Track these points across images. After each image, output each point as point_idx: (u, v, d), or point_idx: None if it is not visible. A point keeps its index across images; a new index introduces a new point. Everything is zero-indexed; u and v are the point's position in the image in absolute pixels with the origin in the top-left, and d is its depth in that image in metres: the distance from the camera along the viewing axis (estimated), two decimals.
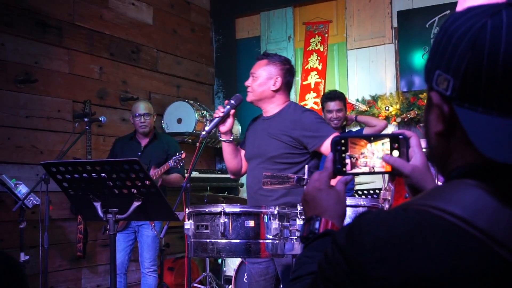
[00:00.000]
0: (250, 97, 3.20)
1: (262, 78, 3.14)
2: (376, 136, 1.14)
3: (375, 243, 0.81)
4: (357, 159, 1.13)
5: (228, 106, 3.03)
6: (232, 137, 3.18)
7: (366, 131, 5.01)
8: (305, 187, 2.50)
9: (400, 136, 1.12)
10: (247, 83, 3.21)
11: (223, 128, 3.08)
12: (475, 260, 0.77)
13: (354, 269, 0.82)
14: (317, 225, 1.14)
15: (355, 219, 0.86)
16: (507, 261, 0.77)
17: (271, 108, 3.19)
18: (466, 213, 0.79)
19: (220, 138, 3.17)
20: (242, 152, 3.35)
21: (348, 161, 1.14)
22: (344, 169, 1.14)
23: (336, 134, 3.00)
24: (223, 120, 3.04)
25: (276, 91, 3.15)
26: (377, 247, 0.81)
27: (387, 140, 1.13)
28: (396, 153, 1.12)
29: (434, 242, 0.79)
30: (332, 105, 4.79)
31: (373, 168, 1.13)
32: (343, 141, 1.14)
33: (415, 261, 0.78)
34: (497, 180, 0.82)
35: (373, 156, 1.13)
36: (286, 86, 3.20)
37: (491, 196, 0.81)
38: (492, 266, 0.77)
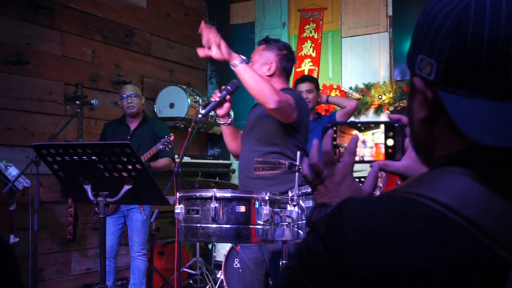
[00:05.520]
0: None
1: (258, 63, 3.20)
2: (368, 125, 1.10)
3: (357, 231, 0.78)
4: (346, 148, 1.10)
5: (224, 92, 3.07)
6: (230, 120, 3.23)
7: (339, 113, 5.00)
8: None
9: (396, 124, 1.08)
10: None
11: (220, 111, 3.11)
12: (461, 250, 0.75)
13: (335, 258, 0.79)
14: None
15: (337, 206, 0.83)
16: (493, 252, 0.74)
17: None
18: (453, 202, 0.77)
19: (219, 121, 3.23)
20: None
21: (338, 149, 1.11)
22: (335, 156, 1.12)
23: (286, 96, 2.96)
24: (219, 104, 3.07)
25: (271, 75, 3.19)
26: (359, 235, 0.78)
27: (379, 130, 1.09)
28: (390, 142, 1.08)
29: (418, 231, 0.76)
30: (303, 86, 4.84)
31: (362, 157, 1.11)
32: (335, 128, 1.11)
33: (398, 250, 0.75)
34: (484, 168, 0.80)
35: (363, 145, 1.10)
36: (283, 71, 3.24)
37: (479, 184, 0.78)
38: (478, 257, 0.74)
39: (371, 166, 1.19)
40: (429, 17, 0.83)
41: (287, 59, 3.24)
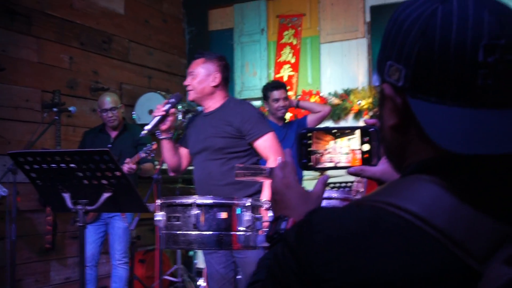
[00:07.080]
0: (192, 95, 3.28)
1: (202, 76, 3.23)
2: (344, 131, 1.08)
3: (326, 243, 0.76)
4: (322, 155, 1.09)
5: (168, 105, 3.08)
6: (171, 134, 3.25)
7: (311, 117, 4.90)
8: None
9: (371, 129, 1.06)
10: (186, 82, 3.28)
11: (164, 126, 3.13)
12: (431, 260, 0.73)
13: (304, 270, 0.77)
14: (283, 225, 1.09)
15: (306, 216, 0.81)
16: (463, 261, 0.73)
17: (213, 103, 3.28)
18: (423, 211, 0.75)
19: (160, 136, 3.22)
20: (182, 149, 3.42)
21: (313, 156, 1.09)
22: (310, 163, 1.10)
23: (273, 133, 3.09)
24: (163, 119, 3.08)
25: (216, 86, 3.25)
26: (326, 246, 0.76)
27: (354, 136, 1.07)
28: (366, 146, 1.06)
29: (388, 242, 0.74)
30: (279, 93, 4.73)
31: (338, 163, 1.09)
32: (309, 134, 1.10)
33: (368, 262, 0.74)
34: (453, 175, 0.78)
35: (339, 151, 1.08)
36: (225, 81, 3.30)
37: (448, 192, 0.76)
38: (447, 267, 0.73)
39: (347, 172, 1.18)
40: (397, 23, 0.83)
41: (227, 69, 3.32)
